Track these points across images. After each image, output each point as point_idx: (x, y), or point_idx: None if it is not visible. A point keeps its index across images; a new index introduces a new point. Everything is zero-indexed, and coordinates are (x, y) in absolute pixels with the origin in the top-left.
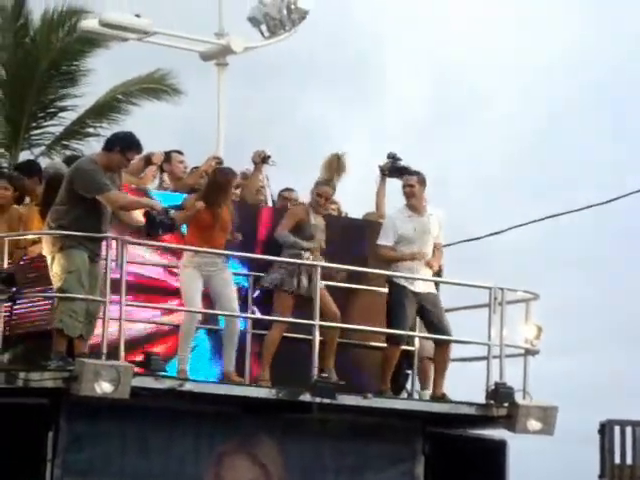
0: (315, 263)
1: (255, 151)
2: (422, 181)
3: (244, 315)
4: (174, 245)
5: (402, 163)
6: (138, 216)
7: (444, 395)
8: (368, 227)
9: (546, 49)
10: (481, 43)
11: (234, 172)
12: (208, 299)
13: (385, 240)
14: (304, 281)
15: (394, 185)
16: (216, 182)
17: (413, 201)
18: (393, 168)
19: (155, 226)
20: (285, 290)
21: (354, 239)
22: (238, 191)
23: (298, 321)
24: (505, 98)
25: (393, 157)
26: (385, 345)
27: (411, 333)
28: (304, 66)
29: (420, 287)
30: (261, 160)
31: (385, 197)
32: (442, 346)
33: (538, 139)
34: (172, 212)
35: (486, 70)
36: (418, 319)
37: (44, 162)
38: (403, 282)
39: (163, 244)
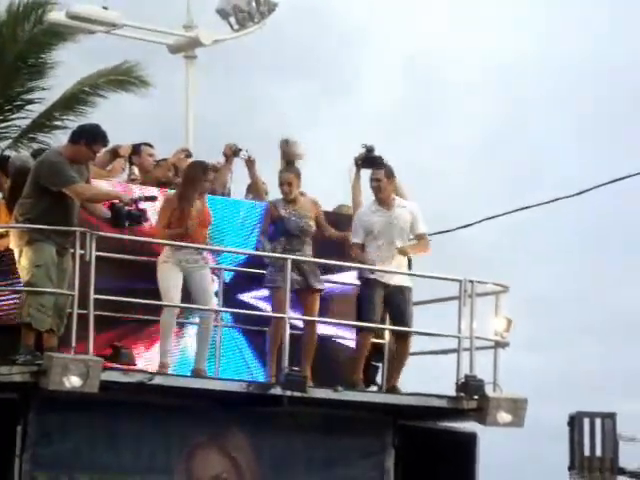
0: (286, 256)
1: (226, 144)
2: (389, 174)
3: (224, 310)
4: (146, 239)
5: (376, 154)
6: (104, 208)
7: (394, 387)
8: (340, 219)
9: (518, 44)
10: (454, 36)
11: (205, 165)
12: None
13: (355, 237)
14: (294, 276)
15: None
16: (188, 177)
17: (380, 195)
18: (367, 159)
19: (121, 217)
20: (280, 287)
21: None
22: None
23: (267, 314)
24: (477, 93)
25: (367, 148)
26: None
27: (380, 326)
28: (273, 59)
29: (389, 279)
30: (232, 153)
31: (361, 188)
32: (401, 339)
33: (506, 133)
34: (141, 204)
35: (459, 64)
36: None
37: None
38: (371, 274)
39: (132, 237)
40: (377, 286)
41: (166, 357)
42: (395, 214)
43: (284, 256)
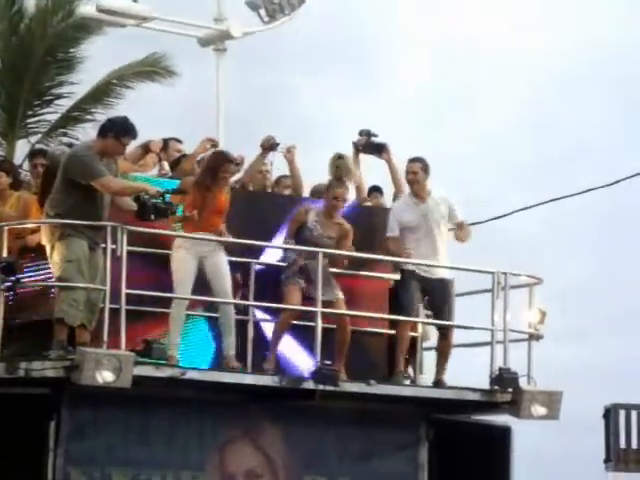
0: (317, 250)
1: (265, 137)
2: (425, 167)
3: (236, 302)
4: (169, 232)
5: (377, 140)
6: (132, 201)
7: (441, 381)
8: (375, 213)
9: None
10: (486, 26)
11: (229, 155)
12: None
13: (390, 232)
14: (302, 283)
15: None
16: (211, 166)
17: (416, 188)
18: (368, 144)
19: (147, 210)
20: (292, 283)
21: None
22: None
23: (300, 308)
24: (508, 82)
25: (367, 134)
26: (387, 332)
27: (414, 319)
28: (303, 51)
29: (430, 272)
30: (269, 146)
31: (362, 174)
32: (444, 333)
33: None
34: (168, 196)
35: (492, 52)
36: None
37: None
38: (411, 267)
39: (160, 231)
40: (415, 278)
41: (175, 350)
42: (430, 206)
43: (315, 249)
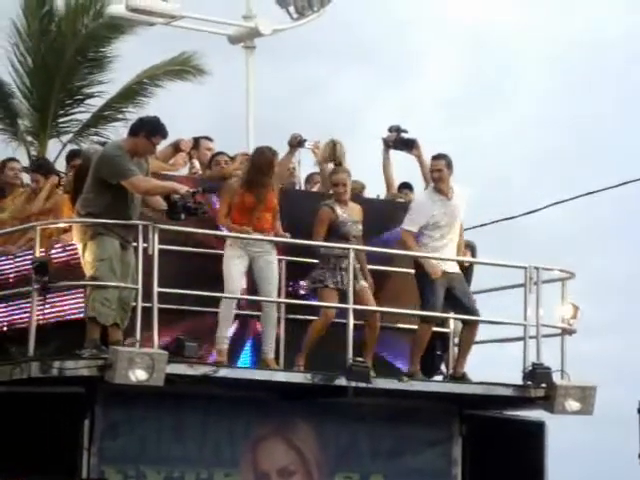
0: (348, 246)
1: (292, 134)
2: (449, 164)
3: (280, 300)
4: (205, 231)
5: (407, 135)
6: (162, 200)
7: (464, 375)
8: (394, 207)
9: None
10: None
11: (274, 151)
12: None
13: (410, 225)
14: (345, 277)
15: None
16: (257, 163)
17: (441, 185)
18: (398, 140)
19: (177, 210)
20: (327, 286)
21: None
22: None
23: (333, 305)
24: (540, 75)
25: (397, 129)
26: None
27: (444, 315)
28: (333, 47)
29: (448, 267)
30: (297, 143)
31: (393, 170)
32: (470, 325)
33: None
34: (198, 196)
35: (521, 45)
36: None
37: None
38: (432, 262)
39: (194, 230)
40: (441, 277)
41: (222, 344)
42: (455, 203)
43: (346, 246)
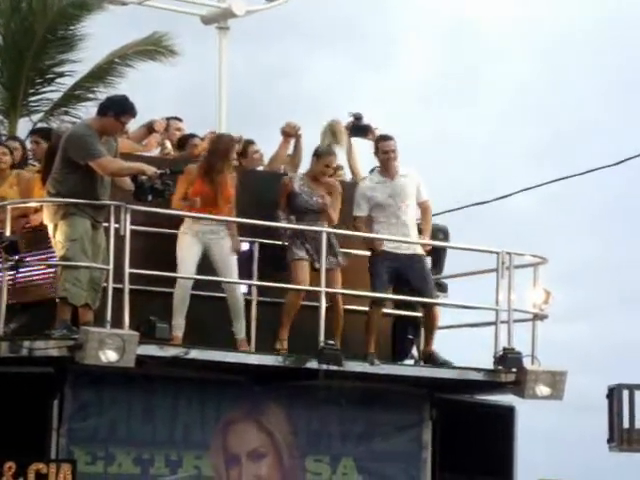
0: (318, 229)
1: (288, 123)
2: (395, 145)
3: (243, 282)
4: (174, 211)
5: (364, 122)
6: (129, 181)
7: (432, 354)
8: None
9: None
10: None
11: (233, 138)
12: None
13: (359, 211)
14: (311, 250)
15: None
16: (214, 148)
17: (389, 165)
18: (355, 127)
19: (144, 191)
20: (299, 258)
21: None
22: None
23: (304, 288)
24: (520, 62)
25: (355, 116)
26: (393, 312)
27: (395, 297)
28: (307, 29)
29: (399, 249)
30: (295, 133)
31: (357, 157)
32: (426, 308)
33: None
34: (166, 177)
35: (497, 28)
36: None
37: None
38: (383, 247)
39: (165, 210)
40: (386, 258)
41: (179, 330)
42: (400, 183)
43: (319, 229)
